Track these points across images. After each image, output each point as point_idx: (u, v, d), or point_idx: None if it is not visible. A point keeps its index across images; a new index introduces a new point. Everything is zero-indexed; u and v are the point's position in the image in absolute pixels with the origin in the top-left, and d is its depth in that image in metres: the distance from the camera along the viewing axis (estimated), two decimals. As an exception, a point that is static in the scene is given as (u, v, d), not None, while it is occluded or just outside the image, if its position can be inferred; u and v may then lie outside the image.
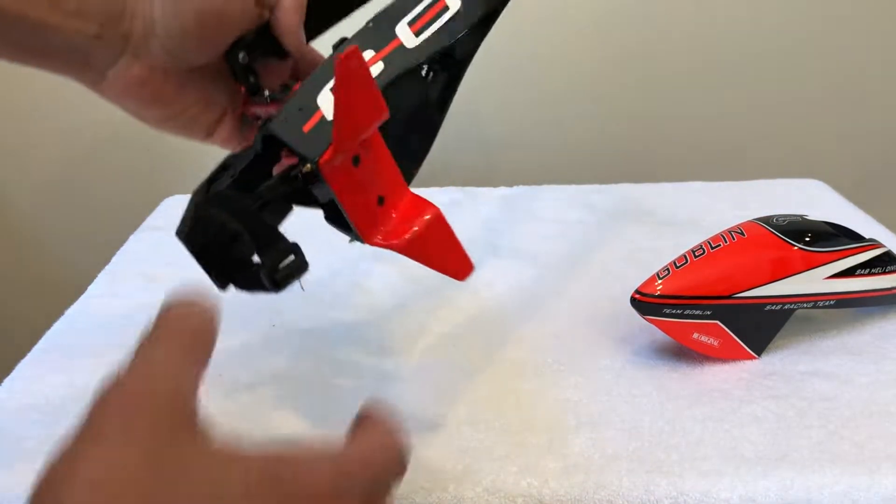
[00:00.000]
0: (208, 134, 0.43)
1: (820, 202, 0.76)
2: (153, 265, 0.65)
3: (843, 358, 0.49)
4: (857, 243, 0.51)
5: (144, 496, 0.21)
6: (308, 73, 0.40)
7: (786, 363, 0.49)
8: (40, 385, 0.49)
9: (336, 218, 0.39)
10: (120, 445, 0.22)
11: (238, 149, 0.43)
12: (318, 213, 0.40)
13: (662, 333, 0.48)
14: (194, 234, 0.37)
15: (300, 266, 0.35)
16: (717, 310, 0.47)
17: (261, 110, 0.42)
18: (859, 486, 0.39)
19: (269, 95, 0.41)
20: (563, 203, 0.78)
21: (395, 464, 0.28)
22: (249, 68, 0.41)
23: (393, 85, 0.40)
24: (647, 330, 0.50)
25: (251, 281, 0.36)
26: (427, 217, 0.38)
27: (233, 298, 0.36)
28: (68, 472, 0.22)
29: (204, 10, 0.37)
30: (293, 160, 0.37)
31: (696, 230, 0.58)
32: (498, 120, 0.98)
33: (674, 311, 0.47)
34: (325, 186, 0.36)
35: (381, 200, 0.38)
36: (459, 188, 0.81)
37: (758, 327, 0.49)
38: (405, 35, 0.41)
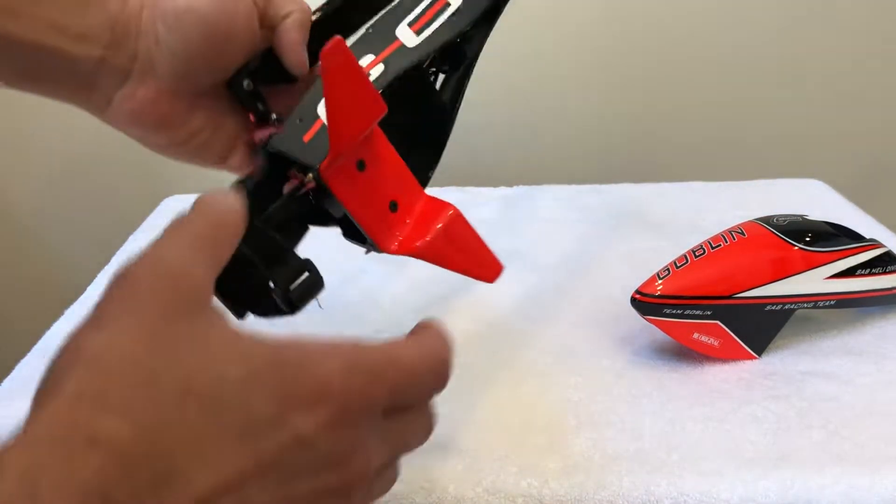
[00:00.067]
0: (221, 159, 0.41)
1: (820, 202, 0.76)
2: (153, 265, 0.65)
3: (843, 358, 0.49)
4: (857, 243, 0.51)
5: (141, 374, 0.21)
6: None
7: (786, 363, 0.49)
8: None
9: (353, 232, 0.38)
10: (120, 327, 0.22)
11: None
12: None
13: (663, 333, 0.48)
14: None
15: (315, 283, 0.33)
16: (718, 310, 0.47)
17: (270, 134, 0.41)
18: (860, 487, 0.39)
19: (277, 118, 0.40)
20: (563, 203, 0.78)
21: (434, 374, 0.28)
22: (256, 95, 0.39)
23: (396, 85, 0.39)
24: (647, 330, 0.50)
25: (270, 306, 0.35)
26: (444, 218, 0.36)
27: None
28: (70, 355, 0.22)
29: (209, 29, 0.36)
30: (301, 178, 0.36)
31: (696, 230, 0.58)
32: (498, 120, 0.98)
33: (674, 312, 0.47)
34: (334, 199, 0.35)
35: (393, 206, 0.36)
36: (459, 188, 0.81)
37: (758, 327, 0.49)
38: (406, 35, 0.40)
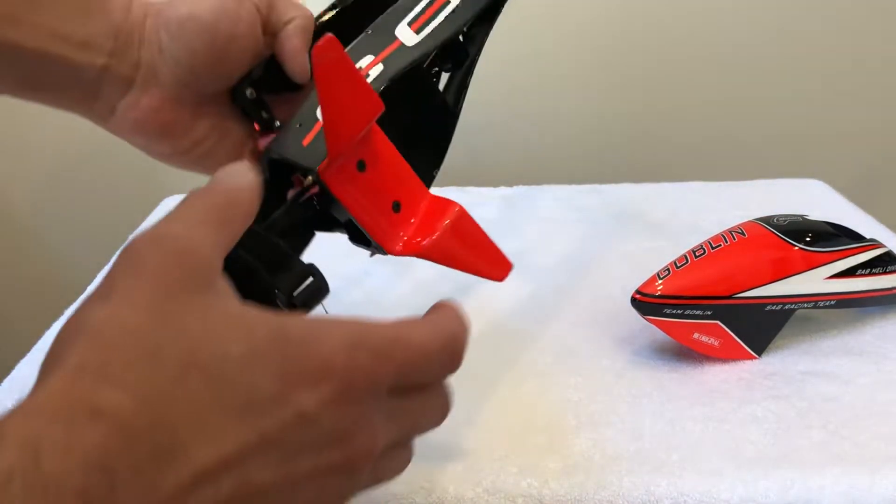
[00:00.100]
0: None
1: (820, 202, 0.76)
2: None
3: (843, 358, 0.49)
4: (857, 243, 0.51)
5: (144, 347, 0.22)
6: None
7: (786, 363, 0.49)
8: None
9: (358, 236, 0.37)
10: (124, 300, 0.23)
11: None
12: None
13: (663, 333, 0.48)
14: None
15: (319, 288, 0.33)
16: (718, 310, 0.47)
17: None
18: (860, 487, 0.39)
19: (281, 126, 0.39)
20: (564, 203, 0.78)
21: (446, 353, 0.27)
22: (260, 103, 0.39)
23: (396, 85, 0.38)
24: (647, 330, 0.50)
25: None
26: (449, 217, 0.36)
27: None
28: (74, 328, 0.22)
29: (212, 36, 0.36)
30: (303, 182, 0.35)
31: (696, 230, 0.58)
32: (498, 120, 0.98)
33: (674, 312, 0.47)
34: (338, 203, 0.34)
35: (397, 206, 0.36)
36: (459, 188, 0.80)
37: (758, 327, 0.49)
38: (405, 35, 0.40)
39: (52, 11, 0.35)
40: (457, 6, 0.41)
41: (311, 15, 0.39)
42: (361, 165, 0.34)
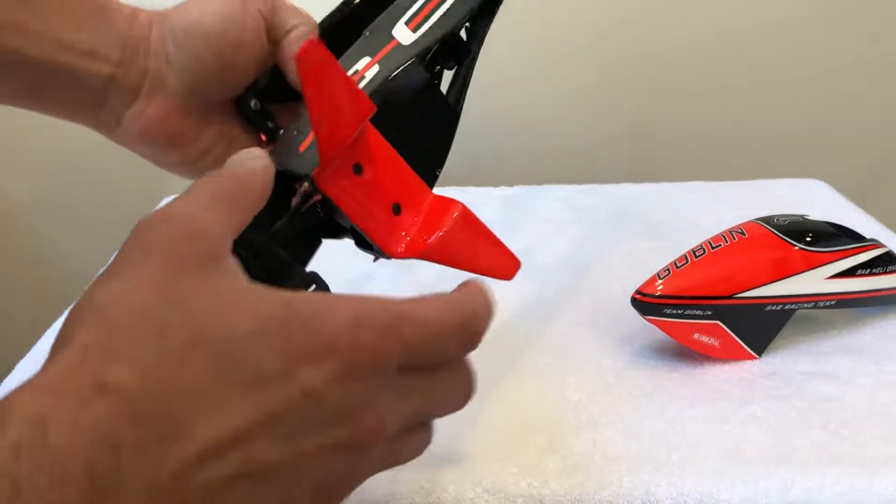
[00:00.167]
0: None
1: (820, 202, 0.76)
2: (153, 265, 0.65)
3: (844, 358, 0.49)
4: (857, 243, 0.51)
5: (150, 325, 0.22)
6: None
7: (787, 363, 0.49)
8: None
9: (364, 241, 0.37)
10: (131, 279, 0.23)
11: None
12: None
13: (663, 334, 0.48)
14: None
15: None
16: (718, 310, 0.47)
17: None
18: (860, 487, 0.39)
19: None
20: (564, 203, 0.78)
21: (462, 331, 0.27)
22: (265, 113, 0.38)
23: (393, 84, 0.38)
24: (647, 330, 0.49)
25: None
26: (451, 217, 0.35)
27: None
28: (82, 307, 0.23)
29: (218, 44, 0.36)
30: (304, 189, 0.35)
31: (696, 230, 0.58)
32: (498, 120, 0.98)
33: (674, 312, 0.46)
34: (338, 208, 0.34)
35: (397, 209, 0.35)
36: (460, 188, 0.80)
37: (758, 327, 0.49)
38: (402, 34, 0.39)
39: (59, 20, 0.35)
40: (452, 4, 0.41)
41: (315, 22, 0.39)
42: (358, 168, 0.34)
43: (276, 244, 0.33)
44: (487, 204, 0.78)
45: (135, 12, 0.37)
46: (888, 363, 0.49)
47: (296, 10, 0.39)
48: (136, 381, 0.21)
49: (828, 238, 0.50)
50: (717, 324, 0.47)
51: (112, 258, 0.25)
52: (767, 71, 0.98)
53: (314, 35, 0.39)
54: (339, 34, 0.40)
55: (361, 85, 0.37)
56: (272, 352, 0.23)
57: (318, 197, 0.34)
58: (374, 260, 0.38)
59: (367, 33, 0.40)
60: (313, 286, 0.32)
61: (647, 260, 0.54)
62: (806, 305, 0.49)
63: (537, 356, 0.51)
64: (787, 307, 0.49)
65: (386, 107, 0.35)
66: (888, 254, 0.52)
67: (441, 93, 0.41)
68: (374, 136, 0.35)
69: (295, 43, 0.38)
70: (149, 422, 0.20)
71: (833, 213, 0.61)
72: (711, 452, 0.41)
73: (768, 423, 0.43)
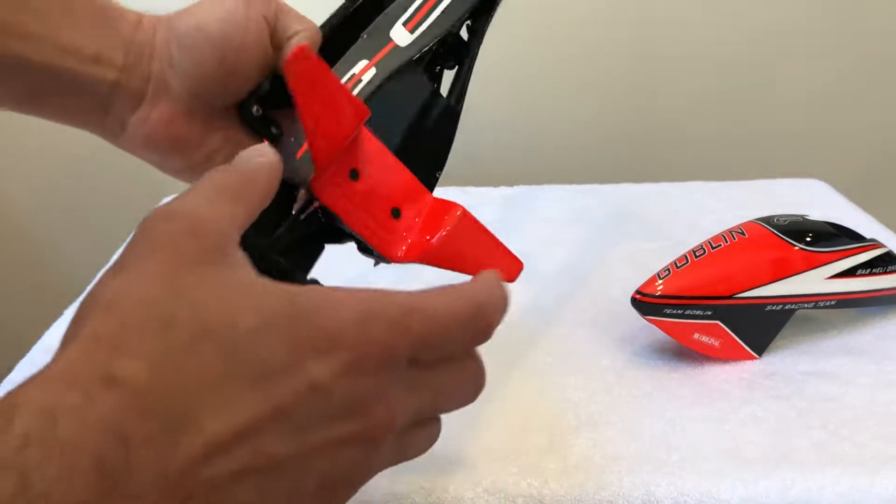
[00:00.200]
0: None
1: (820, 202, 0.76)
2: (153, 265, 0.65)
3: (844, 358, 0.49)
4: (857, 243, 0.51)
5: (157, 317, 0.22)
6: None
7: (787, 363, 0.49)
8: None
9: (366, 245, 0.36)
10: (138, 272, 0.23)
11: None
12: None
13: (663, 334, 0.48)
14: None
15: None
16: (718, 310, 0.47)
17: None
18: (860, 487, 0.39)
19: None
20: (564, 203, 0.78)
21: (472, 322, 0.27)
22: (268, 119, 0.38)
23: (390, 86, 0.37)
24: (647, 330, 0.49)
25: None
26: (451, 220, 0.35)
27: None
28: (90, 300, 0.23)
29: (221, 48, 0.36)
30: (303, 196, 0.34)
31: (696, 230, 0.58)
32: (498, 120, 0.98)
33: (674, 312, 0.46)
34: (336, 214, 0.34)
35: (396, 213, 0.35)
36: (459, 188, 0.80)
37: (758, 327, 0.49)
38: (400, 35, 0.39)
39: (63, 25, 0.35)
40: (449, 4, 0.40)
41: (317, 28, 0.39)
42: (354, 174, 0.34)
43: (277, 252, 0.33)
44: (487, 204, 0.78)
45: (138, 17, 0.37)
46: (888, 363, 0.49)
47: (298, 16, 0.39)
48: (145, 374, 0.21)
49: (828, 238, 0.50)
50: (717, 324, 0.47)
51: (116, 254, 0.25)
52: (767, 71, 0.98)
53: (314, 41, 0.38)
54: (341, 36, 0.39)
55: (358, 88, 0.37)
56: (279, 346, 0.23)
57: (317, 203, 0.34)
58: (375, 264, 0.38)
59: (365, 35, 0.39)
60: None
61: (647, 260, 0.54)
62: (806, 305, 0.49)
63: (537, 356, 0.51)
64: (787, 307, 0.49)
65: (383, 110, 0.35)
66: (888, 254, 0.52)
67: (440, 94, 0.41)
68: (371, 140, 0.35)
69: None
70: (157, 415, 0.20)
71: (833, 213, 0.61)
72: (711, 452, 0.41)
73: (768, 423, 0.43)
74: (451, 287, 0.27)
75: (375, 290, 0.25)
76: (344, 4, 0.41)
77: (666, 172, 0.92)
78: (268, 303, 0.23)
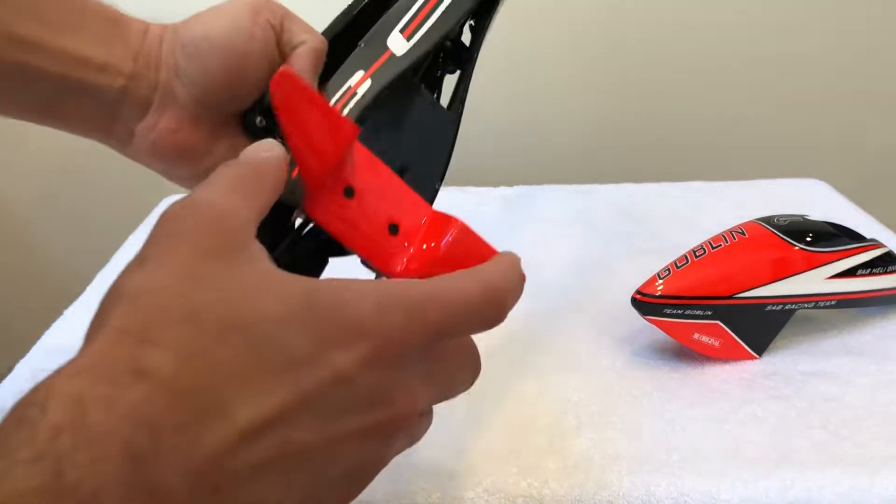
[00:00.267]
0: None
1: (821, 202, 0.76)
2: (153, 265, 0.65)
3: (844, 358, 0.49)
4: (858, 243, 0.51)
5: (183, 308, 0.22)
6: None
7: (787, 363, 0.49)
8: (40, 385, 0.49)
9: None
10: (161, 264, 0.23)
11: None
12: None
13: (663, 334, 0.48)
14: None
15: None
16: (718, 310, 0.47)
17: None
18: (860, 487, 0.39)
19: None
20: (564, 203, 0.78)
21: (487, 306, 0.27)
22: (270, 130, 0.38)
23: (383, 99, 0.37)
24: (647, 330, 0.49)
25: None
26: (450, 235, 0.34)
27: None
28: (114, 294, 0.23)
29: (226, 57, 0.36)
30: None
31: (696, 230, 0.58)
32: (498, 120, 0.98)
33: (674, 312, 0.46)
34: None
35: (394, 228, 0.34)
36: (459, 188, 0.80)
37: (759, 327, 0.49)
38: (397, 43, 0.38)
39: (74, 36, 0.35)
40: (448, 6, 0.40)
41: (323, 39, 0.39)
42: (349, 191, 0.33)
43: (281, 268, 0.33)
44: (487, 204, 0.78)
45: (145, 26, 0.38)
46: (888, 363, 0.49)
47: (304, 25, 0.39)
48: (172, 363, 0.21)
49: (828, 238, 0.50)
50: (717, 324, 0.47)
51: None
52: (768, 71, 0.98)
53: (320, 50, 0.38)
54: (344, 43, 0.39)
55: (353, 102, 0.37)
56: (303, 336, 0.23)
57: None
58: (376, 277, 0.38)
59: (363, 44, 0.39)
60: None
61: (647, 260, 0.54)
62: (806, 305, 0.49)
63: (537, 356, 0.51)
64: (787, 307, 0.49)
65: (379, 123, 0.35)
66: (888, 254, 0.52)
67: (437, 103, 0.40)
68: (366, 156, 0.34)
69: (302, 58, 0.38)
70: (186, 404, 0.20)
71: (833, 213, 0.61)
72: (711, 452, 0.41)
73: (768, 423, 0.43)
74: (467, 272, 0.28)
75: (392, 281, 0.26)
76: (346, 9, 0.41)
77: (666, 172, 0.91)
78: (290, 293, 0.24)
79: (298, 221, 0.35)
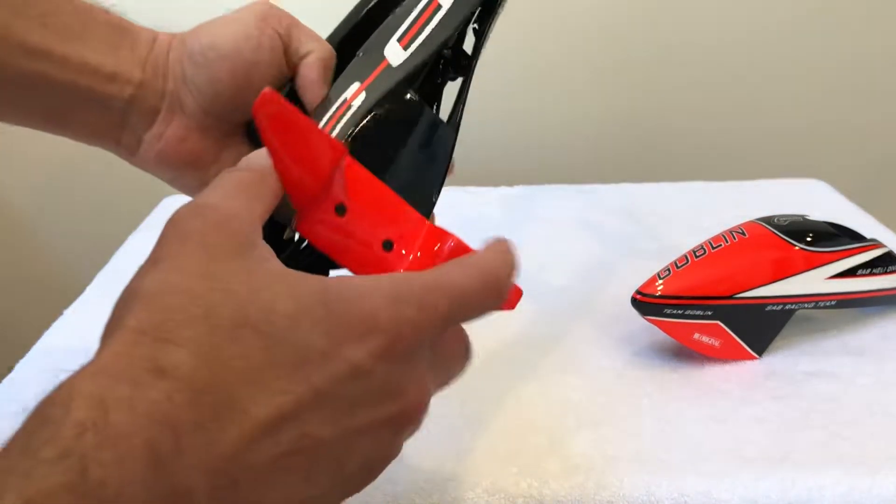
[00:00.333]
0: None
1: (821, 202, 0.76)
2: (153, 265, 0.65)
3: (844, 358, 0.49)
4: (858, 243, 0.51)
5: (198, 307, 0.22)
6: None
7: (787, 364, 0.49)
8: (40, 385, 0.49)
9: None
10: (174, 265, 0.24)
11: None
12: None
13: (663, 334, 0.48)
14: None
15: None
16: (718, 310, 0.47)
17: None
18: (860, 487, 0.39)
19: None
20: (563, 203, 0.78)
21: (487, 292, 0.27)
22: None
23: (378, 112, 0.36)
24: (647, 330, 0.49)
25: None
26: (445, 251, 0.33)
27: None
28: (129, 295, 0.23)
29: (233, 62, 0.36)
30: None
31: (696, 230, 0.58)
32: (498, 120, 0.98)
33: (675, 312, 0.46)
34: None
35: (388, 245, 0.33)
36: (459, 188, 0.80)
37: (759, 328, 0.49)
38: (394, 53, 0.38)
39: (84, 44, 0.35)
40: (446, 12, 0.39)
41: (331, 48, 0.39)
42: (341, 209, 0.32)
43: None
44: (487, 204, 0.78)
45: (154, 35, 0.38)
46: (888, 363, 0.49)
47: (311, 34, 0.39)
48: (191, 361, 0.21)
49: (828, 238, 0.50)
50: (717, 324, 0.47)
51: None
52: (768, 71, 0.98)
53: (328, 59, 0.38)
54: (350, 49, 0.39)
55: (348, 115, 0.36)
56: (317, 331, 0.23)
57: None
58: None
59: (361, 54, 0.38)
60: None
61: (647, 260, 0.54)
62: (806, 305, 0.49)
63: (537, 356, 0.51)
64: (787, 307, 0.49)
65: (373, 137, 0.34)
66: (888, 254, 0.52)
67: (433, 114, 0.39)
68: (358, 172, 0.33)
69: (311, 68, 0.38)
70: (204, 401, 0.21)
71: (833, 213, 0.61)
72: (711, 452, 0.41)
73: (768, 423, 0.43)
74: (467, 260, 0.28)
75: (398, 274, 0.26)
76: (351, 13, 0.41)
77: (666, 172, 0.92)
78: (302, 290, 0.24)
79: (297, 235, 0.35)
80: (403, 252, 0.33)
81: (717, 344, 0.48)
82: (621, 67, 0.97)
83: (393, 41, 0.38)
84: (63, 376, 0.21)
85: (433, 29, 0.38)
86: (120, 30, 0.37)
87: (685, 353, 0.49)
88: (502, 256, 0.29)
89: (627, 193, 0.80)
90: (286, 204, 0.31)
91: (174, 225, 0.25)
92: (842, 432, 0.42)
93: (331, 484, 0.24)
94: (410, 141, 0.38)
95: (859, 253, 0.50)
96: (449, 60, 0.41)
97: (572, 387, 0.47)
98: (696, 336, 0.48)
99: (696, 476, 0.39)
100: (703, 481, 0.39)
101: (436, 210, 0.39)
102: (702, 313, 0.47)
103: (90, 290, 0.62)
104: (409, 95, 0.37)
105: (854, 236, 0.52)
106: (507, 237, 0.29)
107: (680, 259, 0.48)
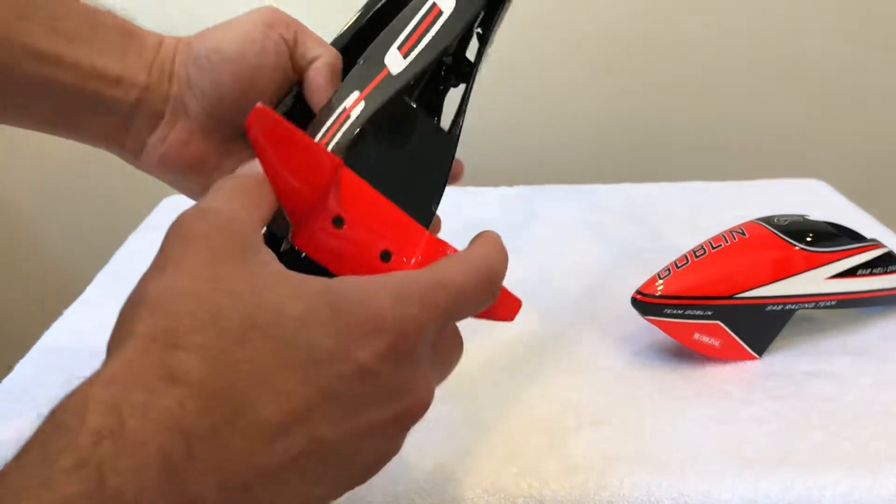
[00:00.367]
0: None
1: (821, 202, 0.76)
2: (153, 265, 0.65)
3: (844, 358, 0.49)
4: (858, 243, 0.51)
5: (205, 311, 0.22)
6: None
7: (787, 364, 0.49)
8: (40, 385, 0.49)
9: None
10: (180, 270, 0.24)
11: None
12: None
13: (663, 334, 0.48)
14: None
15: None
16: (719, 310, 0.47)
17: None
18: (861, 487, 0.39)
19: None
20: (563, 203, 0.78)
21: (482, 286, 0.28)
22: None
23: (377, 122, 0.36)
24: (647, 330, 0.49)
25: None
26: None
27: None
28: (136, 301, 0.23)
29: (238, 66, 0.36)
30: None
31: (696, 230, 0.58)
32: (498, 119, 0.98)
33: (675, 312, 0.46)
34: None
35: (386, 256, 0.33)
36: (459, 188, 0.80)
37: (759, 328, 0.49)
38: (394, 61, 0.37)
39: (90, 48, 0.35)
40: (447, 18, 0.38)
41: (337, 53, 0.39)
42: (338, 221, 0.32)
43: None
44: (487, 204, 0.78)
45: (159, 39, 0.38)
46: (889, 363, 0.49)
47: (317, 40, 0.39)
48: (201, 366, 0.21)
49: (828, 238, 0.50)
50: (717, 324, 0.47)
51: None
52: (768, 71, 0.98)
53: (334, 65, 0.38)
54: (354, 54, 0.38)
55: (346, 126, 0.36)
56: (324, 332, 0.23)
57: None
58: None
59: (362, 61, 0.38)
60: None
61: (647, 260, 0.54)
62: (806, 305, 0.49)
63: (537, 356, 0.51)
64: (787, 307, 0.49)
65: (371, 148, 0.34)
66: (889, 254, 0.52)
67: (433, 123, 0.39)
68: (355, 183, 0.33)
69: (318, 73, 0.38)
70: (217, 406, 0.21)
71: (833, 213, 0.61)
72: (712, 452, 0.41)
73: (769, 424, 0.43)
74: (459, 257, 0.28)
75: (399, 273, 0.26)
76: (354, 20, 0.40)
77: (666, 172, 0.92)
78: (308, 291, 0.24)
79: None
80: (400, 265, 0.33)
81: (717, 344, 0.48)
82: (621, 67, 0.97)
83: (393, 49, 0.37)
84: (76, 382, 0.21)
85: (433, 36, 0.38)
86: (127, 34, 0.37)
87: (685, 353, 0.49)
88: (496, 251, 0.29)
89: (627, 193, 0.80)
90: (282, 216, 0.31)
91: (178, 229, 0.25)
92: (842, 432, 0.42)
93: (339, 482, 0.25)
94: (409, 151, 0.37)
95: (859, 253, 0.50)
96: (450, 67, 0.41)
97: (572, 387, 0.47)
98: (697, 336, 0.48)
99: (696, 476, 0.39)
100: (703, 481, 0.39)
101: (431, 235, 0.38)
102: (702, 313, 0.47)
103: (90, 290, 0.62)
104: (408, 104, 0.37)
105: (854, 236, 0.52)
106: (493, 230, 0.30)
107: (680, 259, 0.48)
